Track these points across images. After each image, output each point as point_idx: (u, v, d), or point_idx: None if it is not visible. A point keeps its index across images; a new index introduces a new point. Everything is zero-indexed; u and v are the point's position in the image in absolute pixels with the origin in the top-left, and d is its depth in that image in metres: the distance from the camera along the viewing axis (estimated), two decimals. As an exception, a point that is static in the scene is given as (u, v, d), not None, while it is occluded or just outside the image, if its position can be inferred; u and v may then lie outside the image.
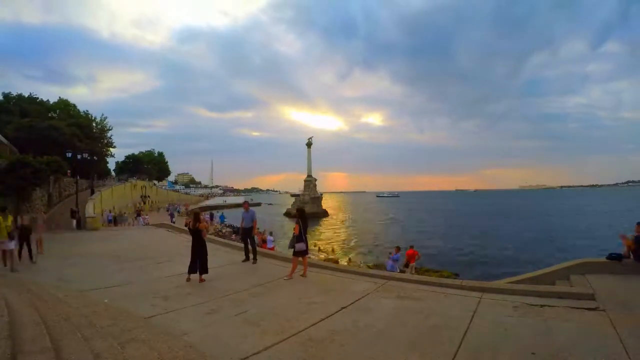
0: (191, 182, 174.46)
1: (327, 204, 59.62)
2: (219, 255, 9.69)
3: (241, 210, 9.03)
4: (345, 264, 16.61)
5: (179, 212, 38.83)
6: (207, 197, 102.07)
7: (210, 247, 11.29)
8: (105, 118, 47.08)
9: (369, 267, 14.76)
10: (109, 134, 47.05)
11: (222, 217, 33.04)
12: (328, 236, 30.62)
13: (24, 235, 9.43)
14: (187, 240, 13.67)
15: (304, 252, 6.85)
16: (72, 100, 54.47)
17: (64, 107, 43.46)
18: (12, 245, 8.12)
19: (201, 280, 6.55)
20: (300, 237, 6.75)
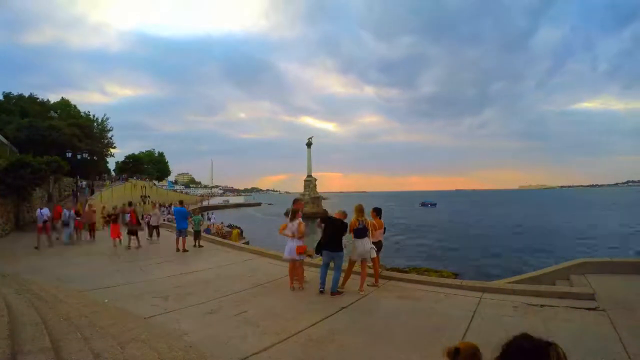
0: (191, 182, 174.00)
1: (326, 205, 59.44)
2: (219, 255, 9.70)
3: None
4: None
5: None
6: (207, 197, 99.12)
7: (210, 247, 11.35)
8: (107, 119, 47.04)
9: (369, 267, 14.69)
10: (109, 134, 47.04)
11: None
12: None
13: None
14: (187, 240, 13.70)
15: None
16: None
17: (65, 107, 43.49)
18: None
19: None
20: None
